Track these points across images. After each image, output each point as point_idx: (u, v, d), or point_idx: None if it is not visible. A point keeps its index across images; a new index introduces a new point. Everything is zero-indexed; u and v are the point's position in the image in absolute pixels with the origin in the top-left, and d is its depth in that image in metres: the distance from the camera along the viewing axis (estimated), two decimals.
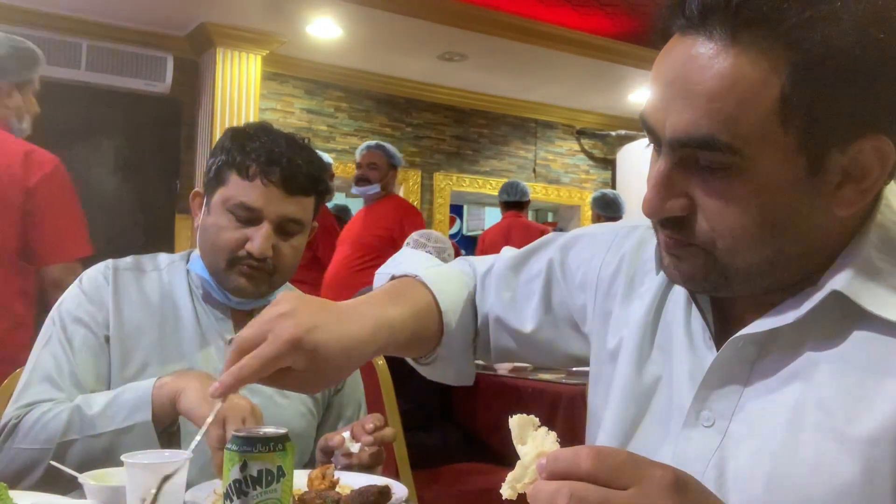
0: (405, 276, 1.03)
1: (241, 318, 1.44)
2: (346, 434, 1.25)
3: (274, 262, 1.37)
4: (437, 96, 6.06)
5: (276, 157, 1.35)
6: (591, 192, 6.89)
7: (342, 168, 5.64)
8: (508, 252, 1.10)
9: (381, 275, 1.07)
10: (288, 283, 1.56)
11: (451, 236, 7.49)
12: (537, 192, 6.63)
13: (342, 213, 5.39)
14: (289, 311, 0.82)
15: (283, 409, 1.38)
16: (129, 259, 1.44)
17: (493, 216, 6.99)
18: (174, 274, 1.44)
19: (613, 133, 6.92)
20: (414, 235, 3.46)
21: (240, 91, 4.85)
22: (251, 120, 4.86)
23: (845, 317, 0.71)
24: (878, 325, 0.70)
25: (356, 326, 0.86)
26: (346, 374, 0.86)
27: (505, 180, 5.84)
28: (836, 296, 0.71)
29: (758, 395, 0.75)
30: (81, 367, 1.31)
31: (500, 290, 1.06)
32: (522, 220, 5.28)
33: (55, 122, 4.43)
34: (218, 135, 4.69)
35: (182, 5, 4.50)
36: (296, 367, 0.81)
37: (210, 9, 4.53)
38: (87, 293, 1.36)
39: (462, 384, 1.08)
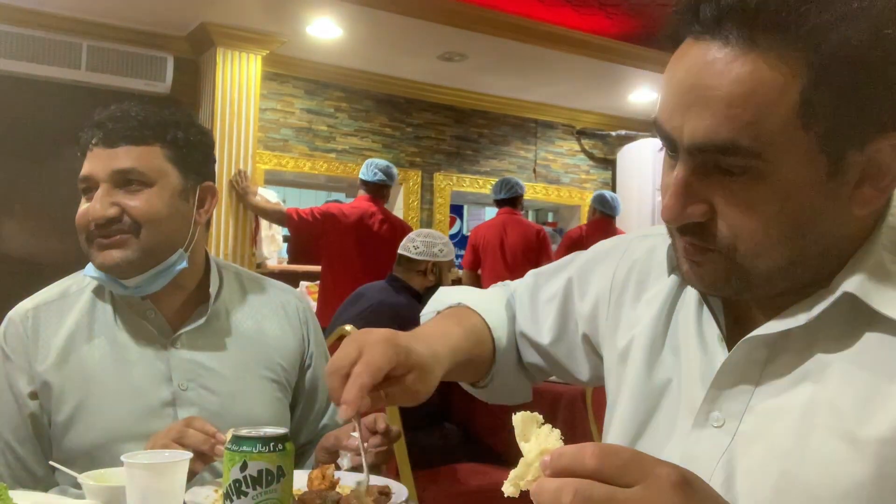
0: (450, 307, 1.09)
1: (163, 306, 1.38)
2: (355, 434, 1.25)
3: (131, 218, 1.31)
4: (437, 96, 6.05)
5: (97, 122, 1.34)
6: (592, 193, 6.90)
7: (342, 168, 5.64)
8: (533, 272, 1.14)
9: (427, 314, 1.13)
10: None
11: (451, 236, 7.48)
12: (537, 191, 6.63)
13: None
14: (369, 331, 0.89)
15: (248, 402, 1.36)
16: (56, 287, 1.41)
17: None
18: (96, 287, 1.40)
19: (613, 133, 6.91)
20: (419, 237, 3.44)
21: (240, 91, 4.84)
22: (251, 120, 4.86)
23: (857, 319, 0.71)
24: (890, 326, 0.70)
25: (422, 336, 0.94)
26: (436, 375, 0.91)
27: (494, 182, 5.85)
28: (848, 297, 0.71)
29: (768, 396, 0.75)
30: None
31: (522, 308, 1.10)
32: (517, 217, 5.29)
33: (55, 122, 4.44)
34: (218, 135, 4.72)
35: (182, 5, 4.49)
36: (395, 374, 0.86)
37: (210, 9, 4.53)
38: (7, 349, 1.34)
39: (520, 402, 1.13)
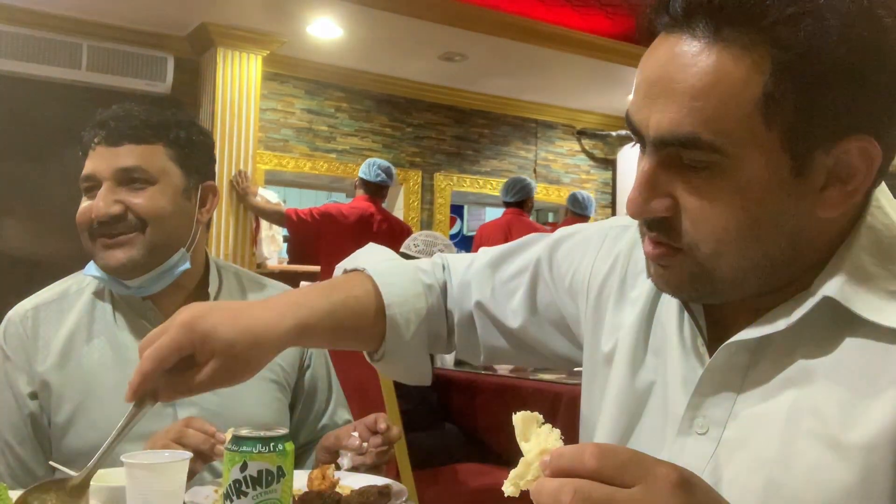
0: (355, 269, 1.01)
1: (163, 306, 1.38)
2: (356, 434, 1.25)
3: (136, 216, 1.31)
4: (437, 96, 6.05)
5: (99, 121, 1.34)
6: (592, 193, 6.90)
7: (343, 168, 5.64)
8: (489, 250, 1.08)
9: (337, 268, 1.05)
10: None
11: (452, 237, 7.48)
12: (538, 192, 6.62)
13: None
14: (190, 307, 0.84)
15: (248, 403, 1.36)
16: (56, 288, 1.41)
17: (493, 216, 6.99)
18: (96, 286, 1.40)
19: (614, 133, 6.92)
20: (420, 236, 3.44)
21: (240, 91, 4.85)
22: (252, 120, 4.86)
23: (838, 323, 0.70)
24: (871, 330, 0.69)
25: (259, 310, 0.86)
26: (256, 360, 0.84)
27: (506, 180, 5.84)
28: (829, 302, 0.70)
29: (752, 402, 0.74)
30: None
31: (482, 285, 1.04)
32: (525, 219, 5.25)
33: (55, 122, 4.44)
34: (218, 135, 4.72)
35: (182, 5, 4.49)
36: (199, 360, 0.81)
37: (210, 9, 4.53)
38: (7, 348, 1.34)
39: (416, 383, 1.06)
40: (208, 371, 0.81)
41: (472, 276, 1.05)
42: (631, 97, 0.74)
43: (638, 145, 0.75)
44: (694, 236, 0.71)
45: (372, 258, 1.03)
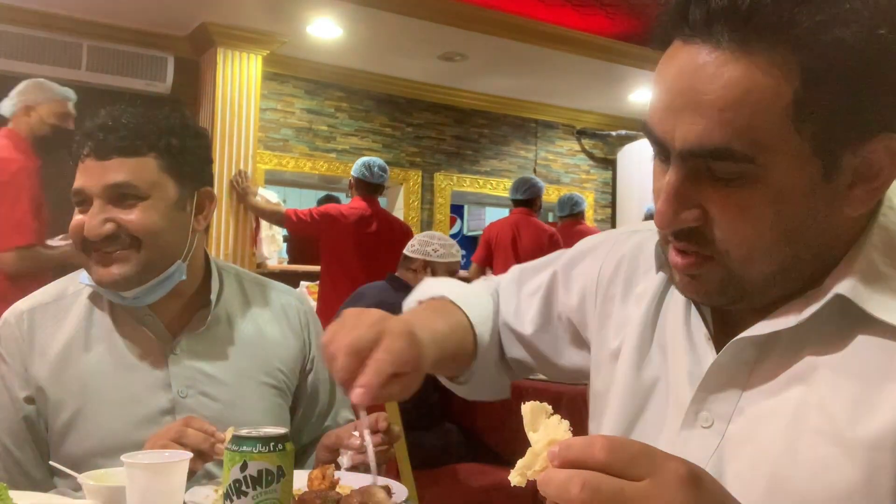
0: (432, 298, 1.05)
1: (162, 312, 1.36)
2: (357, 433, 1.25)
3: (129, 234, 1.27)
4: (437, 96, 6.05)
5: (87, 131, 1.29)
6: (592, 193, 6.90)
7: (343, 168, 5.63)
8: (518, 267, 1.12)
9: (408, 303, 1.09)
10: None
11: (452, 236, 7.47)
12: None
13: None
14: (380, 314, 0.86)
15: (247, 409, 1.35)
16: (52, 289, 1.38)
17: (493, 216, 6.99)
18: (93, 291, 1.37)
19: (614, 133, 6.91)
20: (419, 236, 3.45)
21: (240, 91, 4.84)
22: (251, 120, 4.86)
23: (847, 321, 0.71)
24: (882, 329, 0.69)
25: (426, 332, 0.91)
26: (423, 351, 0.87)
27: (506, 180, 5.84)
28: (840, 300, 0.70)
29: (757, 397, 0.74)
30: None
31: (507, 301, 1.08)
32: (532, 218, 5.23)
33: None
34: (218, 135, 4.72)
35: (182, 5, 4.49)
36: (406, 369, 0.84)
37: (210, 9, 4.53)
38: (2, 351, 1.32)
39: (498, 398, 1.12)
40: (409, 381, 0.85)
41: (501, 293, 1.10)
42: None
43: (655, 156, 0.75)
44: (725, 244, 0.71)
45: (441, 286, 1.08)
